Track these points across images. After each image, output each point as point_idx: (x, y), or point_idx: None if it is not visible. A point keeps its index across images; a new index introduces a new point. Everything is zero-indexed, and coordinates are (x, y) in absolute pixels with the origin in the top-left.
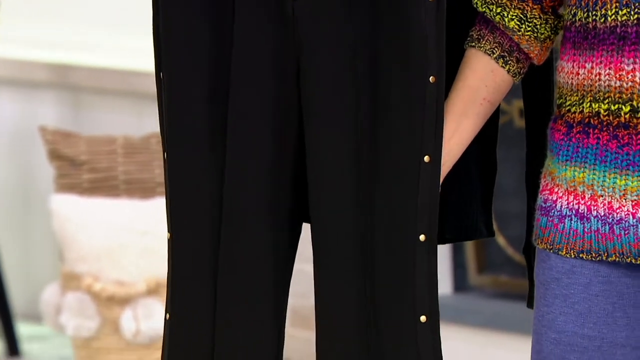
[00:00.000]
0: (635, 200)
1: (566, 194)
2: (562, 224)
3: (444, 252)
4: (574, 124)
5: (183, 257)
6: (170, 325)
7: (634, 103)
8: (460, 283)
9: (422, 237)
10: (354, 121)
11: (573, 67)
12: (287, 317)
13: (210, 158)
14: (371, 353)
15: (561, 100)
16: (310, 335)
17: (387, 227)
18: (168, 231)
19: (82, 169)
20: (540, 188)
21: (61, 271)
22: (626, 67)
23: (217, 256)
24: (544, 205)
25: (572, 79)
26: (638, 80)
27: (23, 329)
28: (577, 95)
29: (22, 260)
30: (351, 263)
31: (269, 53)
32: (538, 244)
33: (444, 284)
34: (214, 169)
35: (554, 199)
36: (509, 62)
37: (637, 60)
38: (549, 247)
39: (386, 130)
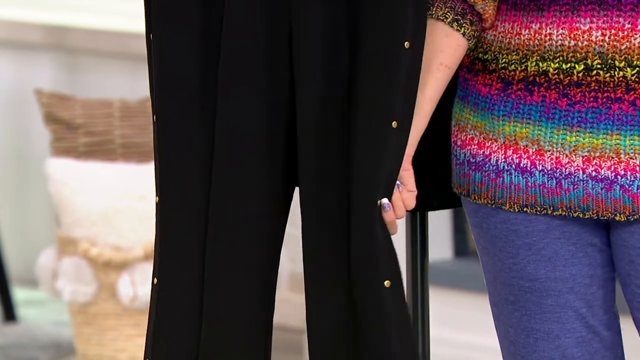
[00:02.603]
0: (586, 156)
1: (502, 148)
2: (501, 178)
3: (444, 216)
4: (514, 82)
5: (171, 221)
6: (158, 291)
7: (589, 62)
8: (461, 247)
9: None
10: (339, 85)
11: (513, 27)
12: (285, 282)
13: (201, 120)
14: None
15: (488, 57)
16: None
17: (353, 189)
18: (156, 195)
19: (78, 132)
20: (460, 142)
21: (57, 236)
22: (582, 27)
23: (206, 220)
24: (472, 160)
25: (510, 38)
26: (594, 40)
27: (19, 294)
28: (517, 55)
29: (18, 225)
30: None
31: (261, 16)
32: (474, 199)
33: (444, 248)
34: (204, 132)
35: (487, 153)
36: (463, 25)
37: (594, 20)
38: (490, 202)
39: (360, 96)
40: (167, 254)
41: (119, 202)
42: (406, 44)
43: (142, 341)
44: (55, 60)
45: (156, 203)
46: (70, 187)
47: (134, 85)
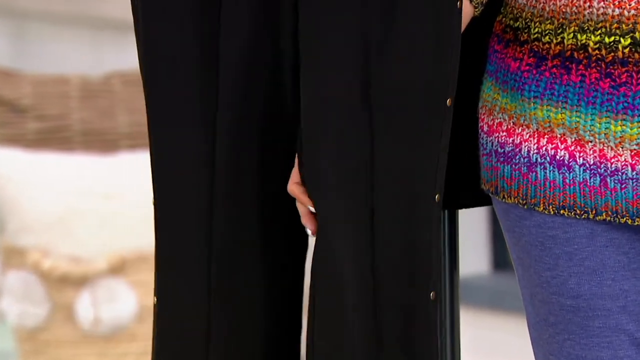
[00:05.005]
0: (635, 150)
1: (535, 136)
2: (533, 173)
3: (479, 223)
4: (548, 57)
5: (170, 230)
6: (157, 312)
7: (637, 35)
8: (501, 259)
9: (437, 197)
10: (360, 61)
11: None
12: None
13: (202, 99)
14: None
15: (518, 24)
16: None
17: (398, 187)
18: (153, 197)
19: (27, 116)
20: (487, 128)
21: (0, 245)
22: None
23: (211, 227)
24: (501, 150)
25: (544, 3)
26: None
27: None
28: (551, 24)
29: None
30: (351, 232)
31: None
32: (504, 197)
33: (481, 261)
34: (207, 115)
35: (517, 141)
36: None
37: None
38: (521, 202)
39: (404, 72)
40: (167, 268)
41: (77, 203)
42: (458, 4)
43: None
44: None
45: (154, 205)
46: (17, 184)
47: (96, 58)
